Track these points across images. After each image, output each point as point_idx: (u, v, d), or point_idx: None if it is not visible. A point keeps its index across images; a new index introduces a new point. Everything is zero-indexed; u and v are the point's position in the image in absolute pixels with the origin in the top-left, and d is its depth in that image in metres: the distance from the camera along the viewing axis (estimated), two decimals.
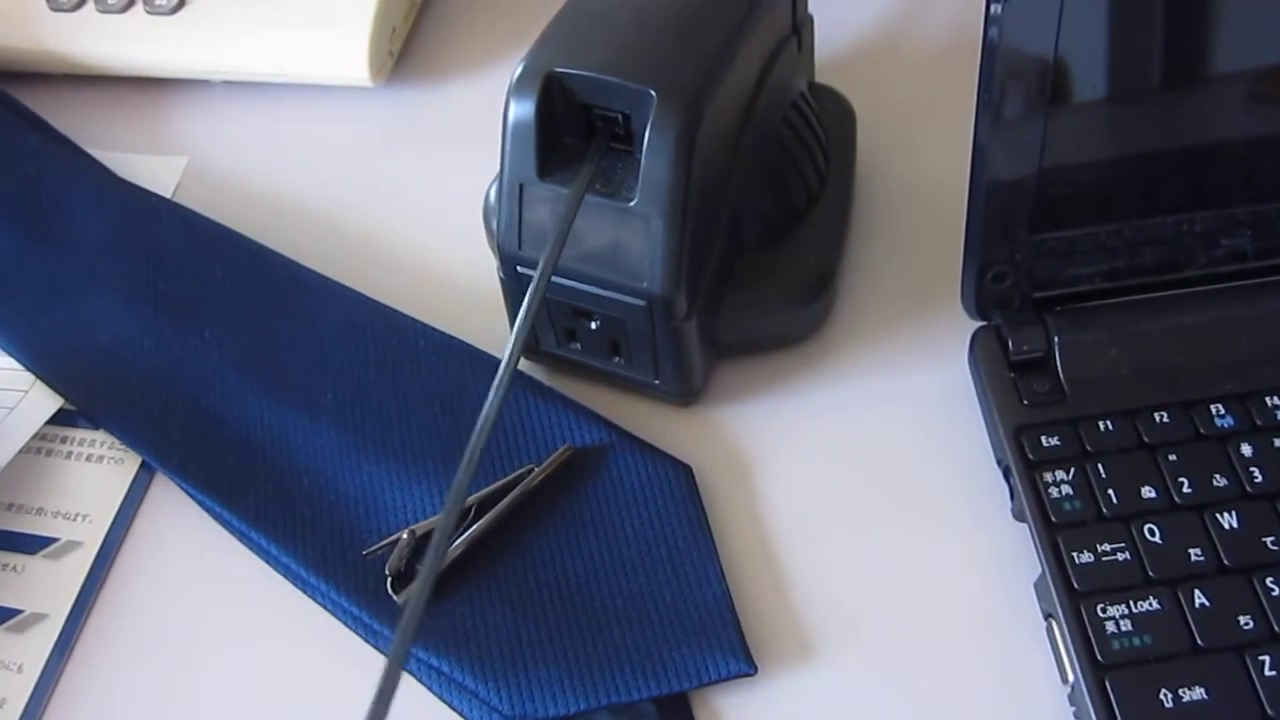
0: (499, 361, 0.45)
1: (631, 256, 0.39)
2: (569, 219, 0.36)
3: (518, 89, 0.39)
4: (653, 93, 0.37)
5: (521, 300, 0.42)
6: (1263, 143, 0.40)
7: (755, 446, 0.44)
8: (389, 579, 0.40)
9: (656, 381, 0.43)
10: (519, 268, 0.41)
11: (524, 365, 0.46)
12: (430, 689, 0.40)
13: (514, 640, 0.40)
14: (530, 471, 0.42)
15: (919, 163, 0.50)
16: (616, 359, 0.43)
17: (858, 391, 0.45)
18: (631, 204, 0.38)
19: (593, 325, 0.42)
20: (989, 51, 0.37)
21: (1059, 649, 0.37)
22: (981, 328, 0.43)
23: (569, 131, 0.40)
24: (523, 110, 0.39)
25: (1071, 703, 0.36)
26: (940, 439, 0.43)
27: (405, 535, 0.41)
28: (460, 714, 0.39)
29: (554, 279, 0.40)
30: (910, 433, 0.44)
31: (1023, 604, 0.39)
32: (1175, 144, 0.40)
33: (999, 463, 0.41)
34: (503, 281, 0.43)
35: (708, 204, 0.40)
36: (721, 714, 0.39)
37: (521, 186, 0.40)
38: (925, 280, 0.47)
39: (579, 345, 0.44)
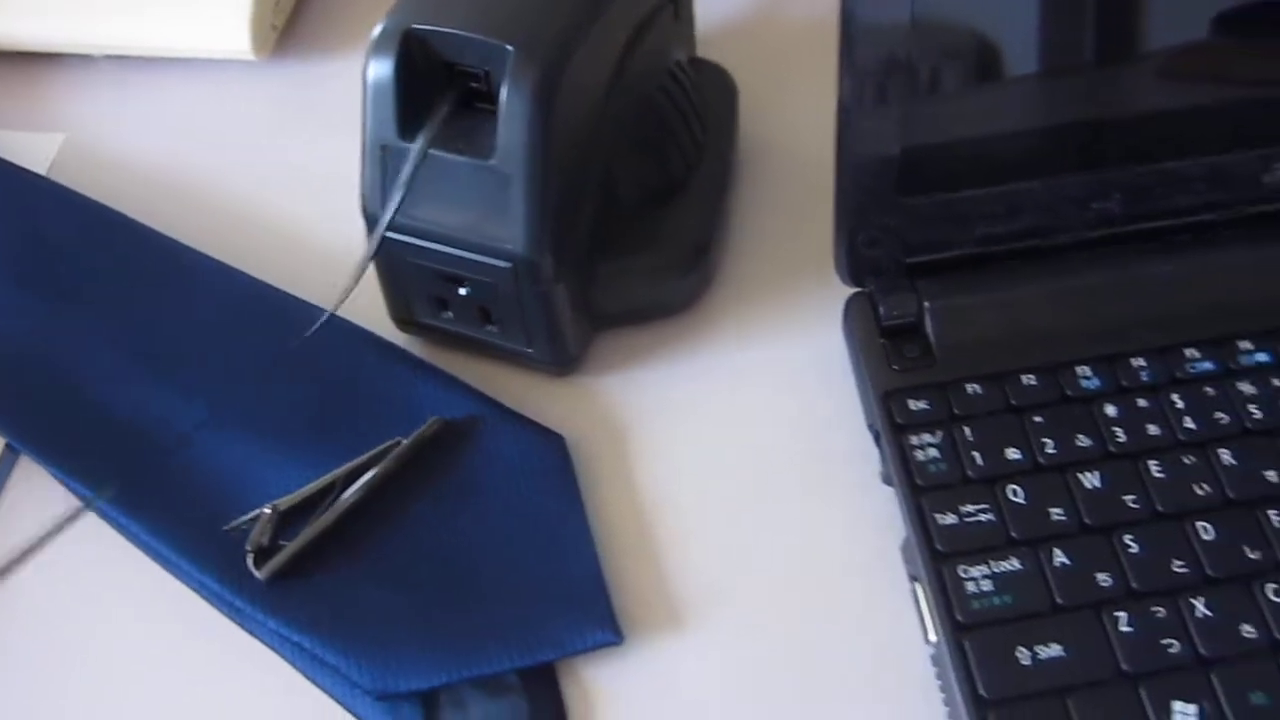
0: (376, 337, 0.45)
1: (495, 217, 0.38)
2: (412, 171, 0.35)
3: (376, 48, 0.38)
4: (510, 48, 0.37)
5: (390, 266, 0.42)
6: (1129, 106, 0.41)
7: (633, 417, 0.44)
8: (251, 554, 0.39)
9: (530, 350, 0.43)
10: (386, 234, 0.40)
11: (400, 339, 0.45)
12: (294, 665, 0.39)
13: (379, 615, 0.39)
14: (397, 444, 0.41)
15: (801, 135, 0.50)
16: (489, 327, 0.43)
17: (735, 361, 0.45)
18: (491, 162, 0.37)
19: (462, 292, 0.41)
20: (846, 15, 0.36)
21: (922, 611, 0.36)
22: (855, 294, 0.43)
23: (432, 91, 0.39)
24: (382, 69, 0.38)
25: (934, 664, 0.36)
26: (815, 406, 0.43)
27: (268, 510, 0.40)
28: (325, 690, 0.38)
29: (418, 242, 0.40)
30: (786, 401, 0.43)
31: (892, 568, 0.39)
32: (1040, 108, 0.40)
33: (870, 428, 0.41)
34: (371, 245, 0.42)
35: (573, 165, 0.39)
36: (588, 685, 0.38)
37: (384, 148, 0.39)
38: (805, 250, 0.47)
39: (451, 314, 0.43)
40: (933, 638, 0.36)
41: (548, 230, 0.38)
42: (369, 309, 0.45)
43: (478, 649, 0.38)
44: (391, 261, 0.41)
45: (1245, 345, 0.41)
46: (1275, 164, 0.41)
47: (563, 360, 0.44)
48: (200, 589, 0.40)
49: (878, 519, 0.40)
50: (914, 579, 0.37)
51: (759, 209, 0.49)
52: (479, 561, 0.40)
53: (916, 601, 0.37)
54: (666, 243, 0.44)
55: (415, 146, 0.37)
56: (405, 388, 0.43)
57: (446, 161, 0.38)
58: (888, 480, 0.39)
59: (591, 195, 0.41)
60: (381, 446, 0.41)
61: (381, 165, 0.39)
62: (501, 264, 0.39)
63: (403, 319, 0.44)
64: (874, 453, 0.41)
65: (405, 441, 0.41)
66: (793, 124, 0.51)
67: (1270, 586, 0.36)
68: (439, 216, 0.39)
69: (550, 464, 0.42)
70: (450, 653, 0.38)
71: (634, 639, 0.39)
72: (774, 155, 0.50)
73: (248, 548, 0.39)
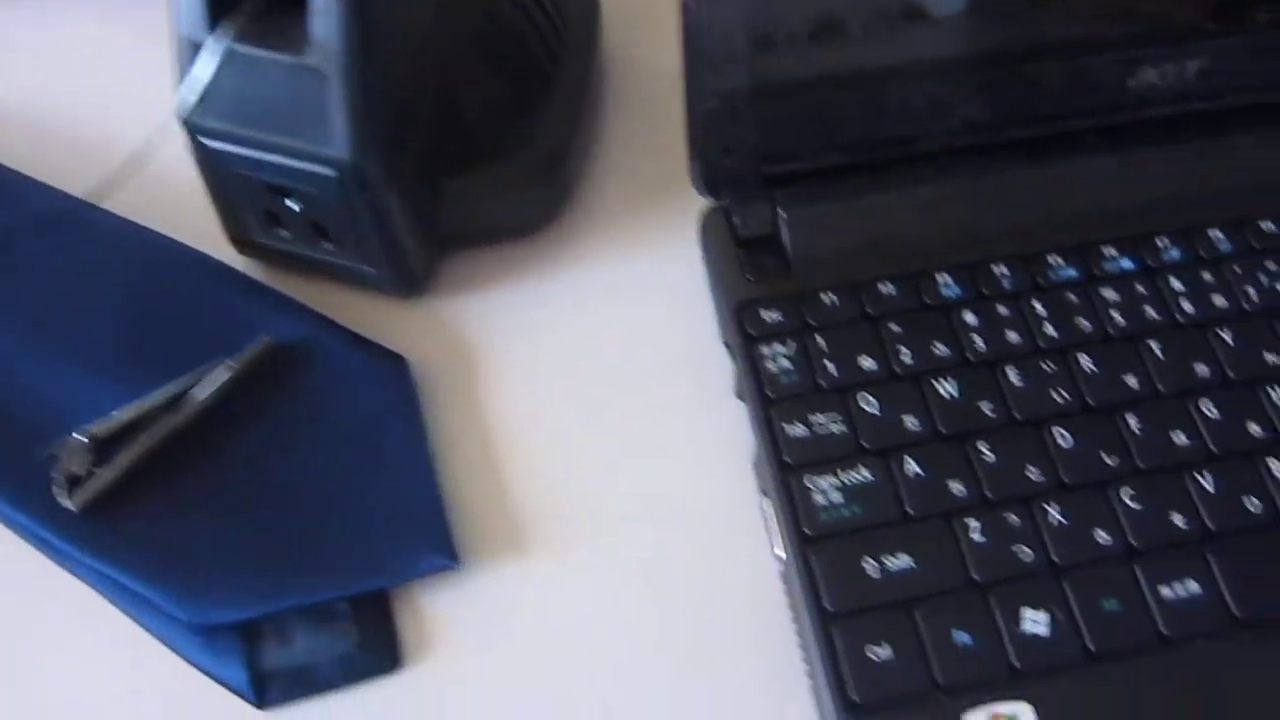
0: (205, 256, 0.42)
1: (314, 119, 0.36)
2: (217, 67, 0.33)
3: None
4: None
5: (215, 178, 0.39)
6: (985, 11, 0.39)
7: (483, 340, 0.42)
8: (61, 483, 0.37)
9: (372, 271, 0.41)
10: (203, 139, 0.38)
11: (238, 262, 0.42)
12: (111, 601, 0.36)
13: (200, 545, 0.36)
14: (224, 366, 0.39)
15: (666, 49, 0.48)
16: (325, 245, 0.40)
17: (593, 280, 0.43)
18: (307, 59, 0.35)
19: (292, 205, 0.39)
20: None
21: (771, 526, 0.35)
22: (711, 207, 0.41)
23: None
24: None
25: (784, 581, 0.34)
26: (672, 324, 0.41)
27: (80, 437, 0.37)
28: (141, 624, 0.36)
29: (237, 150, 0.37)
30: (643, 320, 0.42)
31: (744, 485, 0.37)
32: (897, 11, 0.38)
33: (724, 343, 0.39)
34: (194, 157, 0.39)
35: (403, 67, 0.37)
36: (425, 612, 0.36)
37: (194, 45, 0.36)
38: (667, 166, 0.44)
39: (286, 233, 0.40)
40: (780, 553, 0.34)
41: (373, 134, 0.36)
42: (206, 230, 0.42)
43: (303, 577, 0.36)
44: (214, 172, 0.39)
45: (1110, 252, 0.39)
46: (1139, 69, 0.40)
47: (407, 282, 0.41)
48: (9, 521, 0.37)
49: (731, 436, 0.38)
50: (764, 494, 0.35)
51: (621, 125, 0.47)
52: (311, 487, 0.37)
53: (766, 517, 0.35)
54: (518, 156, 0.42)
55: (219, 41, 0.34)
56: (235, 308, 0.40)
57: (260, 59, 0.35)
58: (740, 394, 0.38)
59: (429, 101, 0.39)
60: (206, 368, 0.39)
61: (193, 65, 0.36)
62: (325, 171, 0.36)
63: (238, 238, 0.42)
64: (730, 369, 0.39)
65: (232, 363, 0.39)
66: (658, 38, 0.48)
67: (1126, 492, 0.34)
68: (256, 120, 0.36)
69: (391, 387, 0.39)
70: (273, 582, 0.36)
71: (475, 565, 0.37)
72: (639, 70, 0.48)
73: (54, 475, 0.37)
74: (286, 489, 0.37)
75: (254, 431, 0.38)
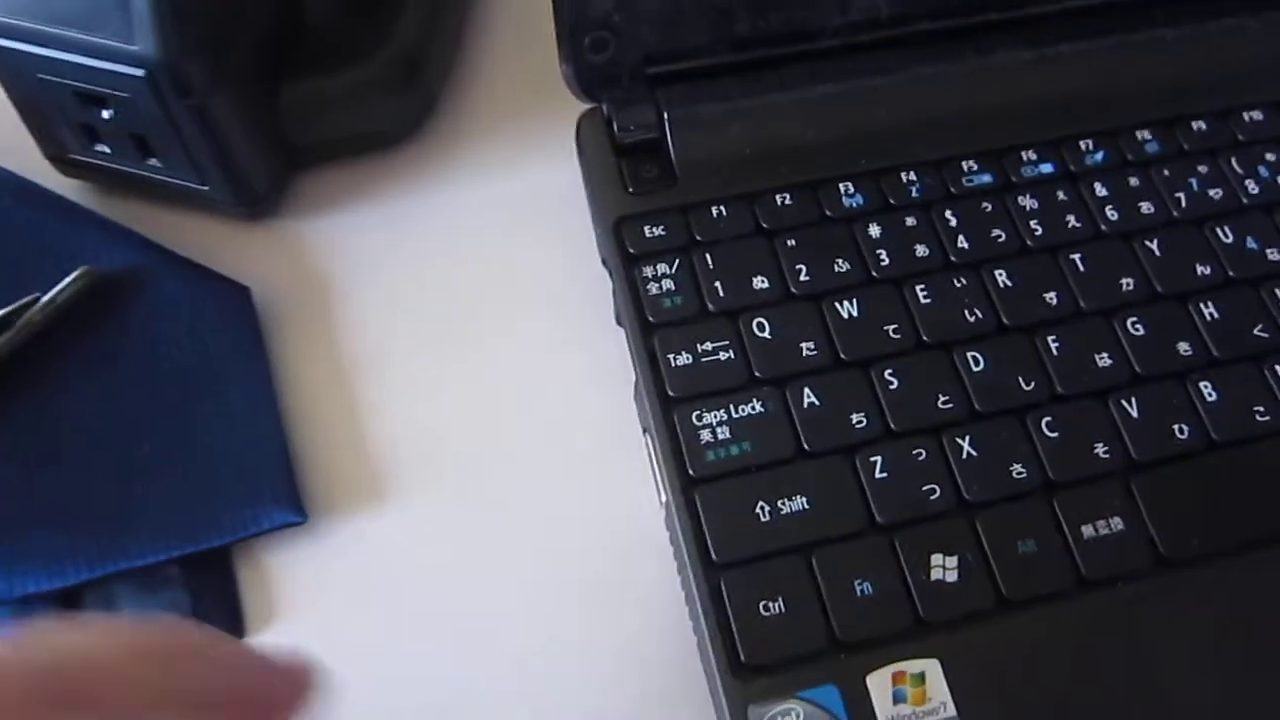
0: (6, 174, 0.37)
1: (117, 10, 0.31)
2: None
3: None
4: None
5: (16, 85, 0.34)
6: None
7: (337, 266, 0.37)
8: None
9: (206, 189, 0.36)
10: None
11: (59, 183, 0.37)
12: None
13: (8, 505, 0.32)
14: (36, 301, 0.34)
15: None
16: (151, 161, 0.35)
17: (460, 198, 0.38)
18: None
19: (106, 115, 0.34)
20: None
21: (653, 466, 0.31)
22: (587, 110, 0.36)
23: None
24: None
25: (666, 527, 0.31)
26: (547, 244, 0.37)
27: None
28: None
29: (35, 50, 0.32)
30: (515, 242, 0.37)
31: (625, 421, 0.33)
32: None
33: (604, 262, 0.35)
34: None
35: None
36: (269, 571, 0.32)
37: None
38: (542, 68, 0.40)
39: (106, 148, 0.35)
40: (664, 497, 0.30)
41: (188, 28, 0.31)
42: (19, 147, 0.37)
43: (128, 537, 0.31)
44: (14, 79, 0.34)
45: (1028, 156, 0.36)
46: None
47: (247, 200, 0.37)
48: None
49: (610, 367, 0.34)
50: (645, 430, 0.32)
51: (490, 21, 0.42)
52: (137, 436, 0.33)
53: (648, 455, 0.31)
54: (373, 58, 0.37)
55: None
56: (49, 235, 0.36)
57: None
58: (620, 320, 0.34)
59: None
60: (16, 304, 0.34)
61: None
62: (133, 72, 0.32)
63: (56, 156, 0.37)
64: (607, 291, 0.35)
65: (46, 297, 0.34)
66: None
67: (1045, 420, 0.31)
68: (54, 13, 0.31)
69: (230, 320, 0.35)
70: (95, 544, 0.31)
71: (327, 518, 0.33)
72: None
73: None
74: (108, 438, 0.33)
75: (72, 374, 0.34)
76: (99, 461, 0.33)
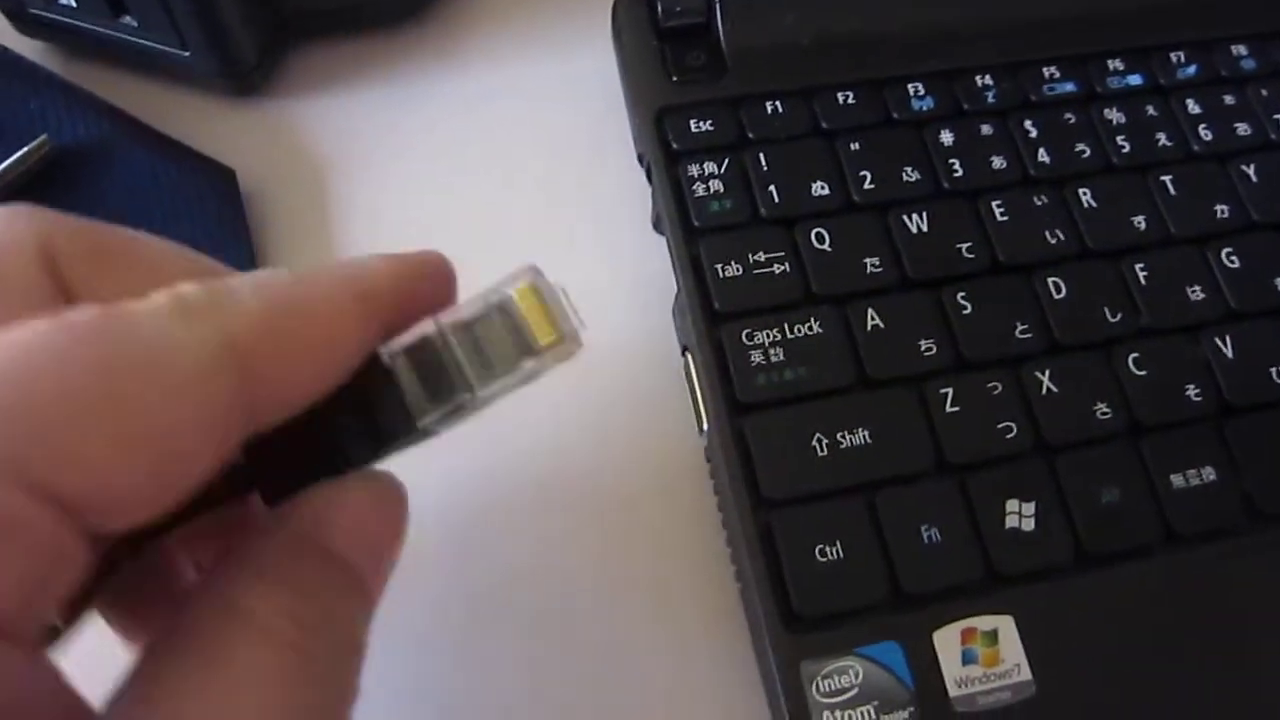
0: None
1: None
2: None
3: None
4: None
5: None
6: None
7: (334, 152, 0.33)
8: None
9: (187, 55, 0.31)
10: None
11: (16, 43, 0.33)
12: None
13: None
14: None
15: None
16: (124, 19, 0.31)
17: (473, 82, 0.34)
18: None
19: None
20: None
21: (695, 389, 0.27)
22: None
23: None
24: None
25: (707, 458, 0.27)
26: (570, 137, 0.33)
27: None
28: None
29: None
30: (533, 132, 0.33)
31: (663, 340, 0.30)
32: None
33: (640, 159, 0.31)
34: None
35: None
36: None
37: None
38: None
39: (72, 1, 0.31)
40: (705, 425, 0.27)
41: None
42: None
43: None
44: None
45: (1116, 65, 0.32)
46: None
47: (235, 72, 0.32)
48: None
49: (647, 277, 0.30)
50: (685, 349, 0.28)
51: None
52: None
53: (688, 378, 0.28)
54: None
55: None
56: (2, 99, 0.31)
57: None
58: (659, 225, 0.30)
59: None
60: None
61: None
62: None
63: (13, 12, 0.32)
64: (647, 192, 0.31)
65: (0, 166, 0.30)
66: None
67: (1132, 355, 0.28)
68: None
69: (212, 205, 0.31)
70: None
71: None
72: None
73: None
74: None
75: None
76: None
